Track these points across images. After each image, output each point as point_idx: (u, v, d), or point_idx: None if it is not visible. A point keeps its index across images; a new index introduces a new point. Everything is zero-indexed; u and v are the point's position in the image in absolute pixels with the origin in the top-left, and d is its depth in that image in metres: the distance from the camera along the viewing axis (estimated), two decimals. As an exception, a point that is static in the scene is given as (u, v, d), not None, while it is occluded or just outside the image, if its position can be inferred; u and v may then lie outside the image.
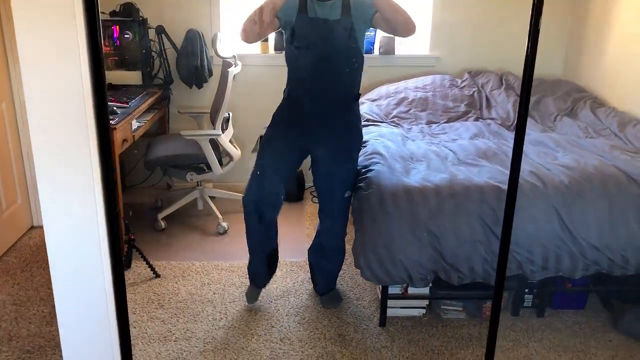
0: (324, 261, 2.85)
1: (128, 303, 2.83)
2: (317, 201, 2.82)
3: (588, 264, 2.51)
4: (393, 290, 2.69)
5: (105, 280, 1.64)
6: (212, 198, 3.92)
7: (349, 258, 2.91)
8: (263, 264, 2.86)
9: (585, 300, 2.89)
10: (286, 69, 2.60)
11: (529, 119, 3.49)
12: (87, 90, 1.35)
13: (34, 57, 1.40)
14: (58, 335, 1.78)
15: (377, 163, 2.74)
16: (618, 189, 2.51)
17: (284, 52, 2.59)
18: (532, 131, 3.30)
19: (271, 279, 2.95)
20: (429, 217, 2.43)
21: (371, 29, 2.72)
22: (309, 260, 2.96)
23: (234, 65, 3.56)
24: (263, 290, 2.96)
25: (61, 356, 1.84)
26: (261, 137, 2.74)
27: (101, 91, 1.26)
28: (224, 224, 3.68)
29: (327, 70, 2.49)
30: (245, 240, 2.86)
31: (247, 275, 2.95)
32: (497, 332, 1.92)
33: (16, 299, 2.88)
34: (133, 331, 2.65)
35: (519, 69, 4.44)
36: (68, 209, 1.55)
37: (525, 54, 1.44)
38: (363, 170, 2.75)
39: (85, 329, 1.73)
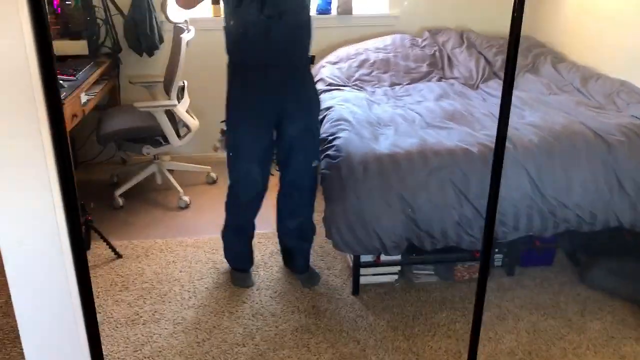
0: (300, 240, 2.77)
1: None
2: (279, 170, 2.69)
3: (558, 222, 2.52)
4: (365, 258, 2.65)
5: (66, 265, 1.51)
6: (171, 171, 3.77)
7: (318, 228, 2.85)
8: (247, 247, 2.82)
9: (552, 257, 2.93)
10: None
11: (497, 80, 3.45)
12: (32, 62, 1.21)
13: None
14: (17, 327, 1.66)
15: (344, 130, 2.66)
16: (586, 146, 2.51)
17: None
18: (496, 90, 3.27)
19: None
20: (400, 184, 2.37)
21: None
22: (281, 243, 2.88)
23: (186, 31, 3.38)
24: (227, 265, 2.87)
25: (21, 349, 1.72)
26: (222, 130, 2.59)
27: (48, 61, 1.12)
28: (186, 198, 3.55)
29: (277, 35, 2.32)
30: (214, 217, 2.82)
31: (226, 261, 2.89)
32: (485, 297, 1.88)
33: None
34: (98, 316, 2.53)
35: (478, 26, 4.38)
36: (20, 192, 1.42)
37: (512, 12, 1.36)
38: (330, 137, 2.67)
39: (46, 320, 1.61)
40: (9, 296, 1.72)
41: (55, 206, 1.41)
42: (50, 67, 1.11)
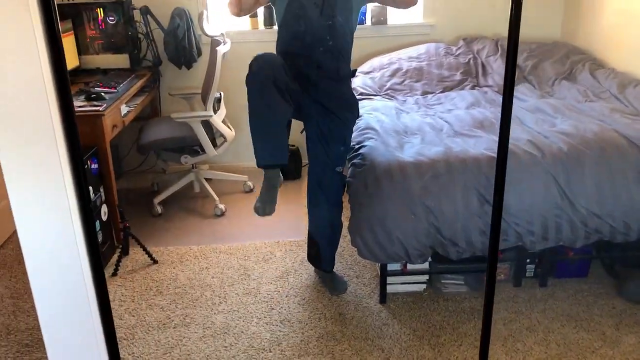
0: (325, 239, 2.76)
1: (126, 290, 2.83)
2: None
3: (589, 232, 2.46)
4: (392, 266, 2.66)
5: (85, 275, 1.58)
6: (208, 180, 3.87)
7: (347, 236, 2.87)
8: (280, 137, 2.39)
9: (587, 268, 2.85)
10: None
11: (526, 85, 3.41)
12: (48, 81, 1.28)
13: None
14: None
15: (370, 138, 2.68)
16: (618, 154, 2.45)
17: (274, 28, 2.52)
18: (530, 97, 3.23)
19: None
20: (423, 192, 2.37)
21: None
22: (309, 242, 2.89)
23: (222, 44, 3.48)
24: (261, 271, 2.92)
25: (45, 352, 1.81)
26: None
27: (64, 82, 1.20)
28: (221, 206, 3.64)
29: (319, 45, 2.42)
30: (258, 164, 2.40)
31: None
32: (493, 305, 1.87)
33: (14, 292, 2.87)
34: (132, 320, 2.64)
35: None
36: (39, 207, 1.50)
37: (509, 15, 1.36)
38: (357, 146, 2.69)
39: (67, 327, 1.68)
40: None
41: (73, 222, 1.48)
42: (65, 83, 1.18)
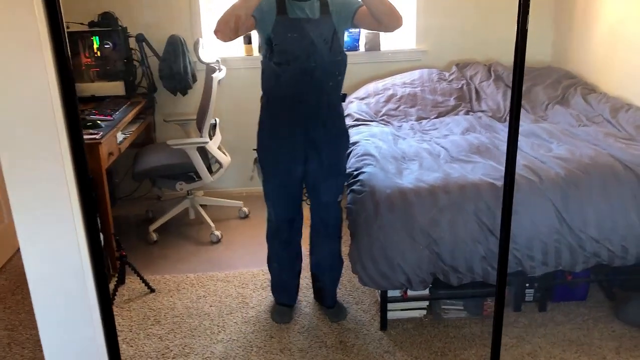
0: (326, 274, 2.80)
1: (123, 320, 2.79)
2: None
3: (588, 257, 2.47)
4: (392, 293, 2.65)
5: (91, 304, 1.56)
6: (203, 206, 3.86)
7: (345, 261, 2.86)
8: (292, 285, 2.86)
9: (586, 292, 2.86)
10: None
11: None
12: (56, 102, 1.28)
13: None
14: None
15: (369, 165, 2.69)
16: (615, 179, 2.48)
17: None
18: (524, 122, 3.26)
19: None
20: (424, 219, 2.38)
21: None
22: (312, 277, 2.91)
23: (218, 70, 3.50)
24: (259, 299, 2.91)
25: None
26: (255, 159, 2.65)
27: (72, 103, 1.20)
28: (217, 233, 3.62)
29: (311, 75, 2.37)
30: (267, 259, 2.86)
31: (269, 293, 2.96)
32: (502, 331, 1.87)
33: (8, 323, 2.81)
34: (130, 350, 2.60)
35: (507, 58, 4.40)
36: (45, 231, 1.49)
37: (515, 42, 1.38)
38: (355, 172, 2.70)
39: (71, 355, 1.66)
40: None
41: (80, 247, 1.47)
42: (74, 109, 1.18)
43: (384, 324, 2.69)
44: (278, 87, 2.44)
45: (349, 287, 3.03)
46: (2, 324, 2.80)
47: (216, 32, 2.30)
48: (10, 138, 1.39)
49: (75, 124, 1.31)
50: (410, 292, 2.65)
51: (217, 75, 3.45)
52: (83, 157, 1.36)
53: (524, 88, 3.61)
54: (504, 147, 2.89)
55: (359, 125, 3.38)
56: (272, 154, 2.55)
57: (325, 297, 2.83)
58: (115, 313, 2.87)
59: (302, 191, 2.66)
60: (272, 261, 2.81)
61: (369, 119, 3.49)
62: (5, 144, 1.40)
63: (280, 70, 2.38)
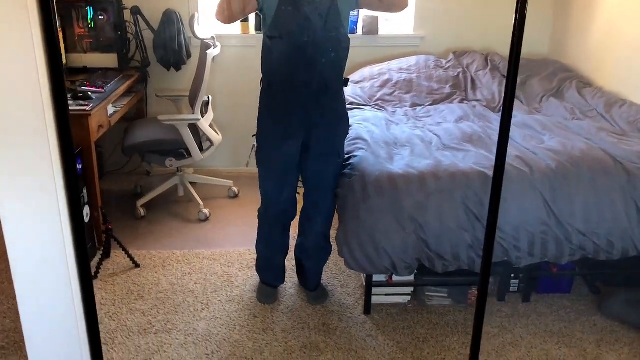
0: (313, 259, 2.78)
1: (107, 294, 2.78)
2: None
3: (574, 249, 2.48)
4: (378, 277, 2.65)
5: (71, 276, 1.54)
6: (192, 184, 3.83)
7: (332, 244, 2.85)
8: (279, 267, 2.85)
9: (571, 284, 2.88)
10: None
11: (515, 101, 3.43)
12: (42, 71, 1.25)
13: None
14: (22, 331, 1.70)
15: (360, 149, 2.68)
16: (604, 173, 2.47)
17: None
18: (518, 113, 3.25)
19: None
20: (412, 205, 2.37)
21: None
22: (296, 259, 2.89)
23: (213, 47, 3.45)
24: (245, 278, 2.90)
25: (26, 354, 1.76)
26: (253, 146, 2.61)
27: (59, 77, 1.17)
28: (206, 211, 3.60)
29: (313, 58, 2.34)
30: (256, 240, 2.84)
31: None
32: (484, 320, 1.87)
33: (-10, 292, 2.80)
34: (112, 324, 2.59)
35: (504, 49, 4.36)
36: (27, 200, 1.47)
37: (512, 33, 1.36)
38: (346, 156, 2.68)
39: (50, 327, 1.65)
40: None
41: (62, 220, 1.45)
42: (60, 80, 1.15)
43: (367, 308, 2.69)
44: (278, 67, 2.41)
45: (335, 270, 3.03)
46: (-16, 293, 2.79)
47: (218, 13, 2.29)
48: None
49: (61, 95, 1.28)
50: (395, 278, 2.65)
51: (212, 52, 3.41)
52: (67, 127, 1.33)
53: (519, 79, 3.62)
54: (496, 136, 2.90)
55: (353, 109, 3.35)
56: (271, 135, 2.51)
57: (309, 280, 2.82)
58: (99, 287, 2.86)
59: (298, 176, 2.62)
60: (261, 241, 2.79)
61: (363, 103, 3.47)
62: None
63: (281, 48, 2.36)
